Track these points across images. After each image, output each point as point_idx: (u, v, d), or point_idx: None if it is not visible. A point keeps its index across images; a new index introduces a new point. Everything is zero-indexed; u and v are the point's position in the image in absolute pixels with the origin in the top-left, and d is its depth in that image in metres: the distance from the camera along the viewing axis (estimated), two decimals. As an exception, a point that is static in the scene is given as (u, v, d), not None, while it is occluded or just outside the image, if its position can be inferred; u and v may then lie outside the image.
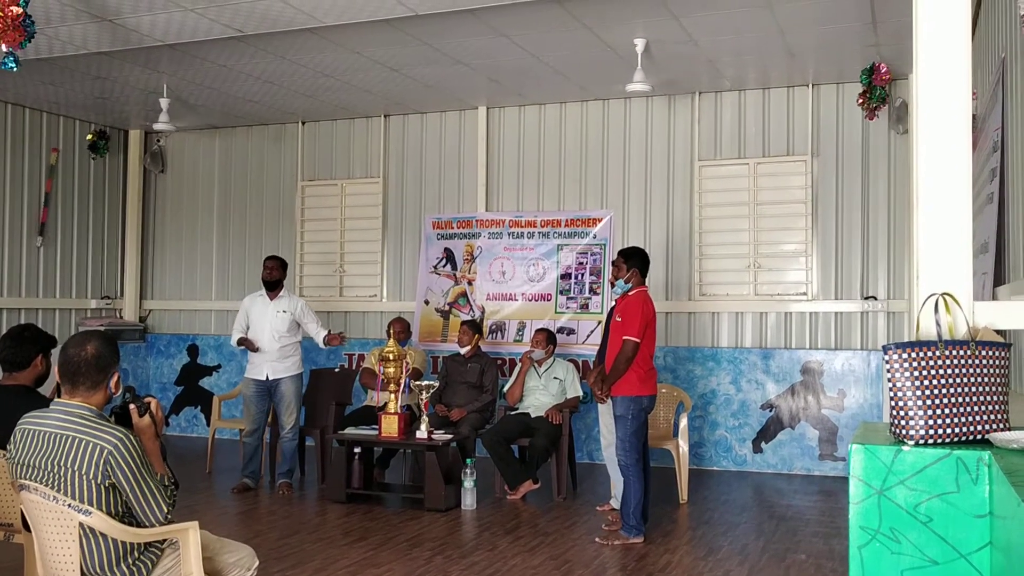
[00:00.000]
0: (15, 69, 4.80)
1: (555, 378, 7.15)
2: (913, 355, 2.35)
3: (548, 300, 8.53)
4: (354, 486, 6.61)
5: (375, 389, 7.48)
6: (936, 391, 2.33)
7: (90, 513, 2.97)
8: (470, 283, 8.82)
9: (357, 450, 6.61)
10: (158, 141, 10.16)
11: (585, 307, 8.39)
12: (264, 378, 7.03)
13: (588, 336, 8.30)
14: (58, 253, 9.31)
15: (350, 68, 7.49)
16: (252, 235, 9.79)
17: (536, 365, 7.18)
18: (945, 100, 2.72)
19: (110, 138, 9.77)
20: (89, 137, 9.56)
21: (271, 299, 7.11)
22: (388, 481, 7.32)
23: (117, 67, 7.49)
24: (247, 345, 7.03)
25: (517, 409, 7.12)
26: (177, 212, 10.16)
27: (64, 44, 6.44)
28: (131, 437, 3.03)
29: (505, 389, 7.27)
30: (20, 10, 4.57)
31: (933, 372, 2.34)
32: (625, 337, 5.57)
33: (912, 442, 2.31)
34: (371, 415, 7.05)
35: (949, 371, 2.35)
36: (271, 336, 7.02)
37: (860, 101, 7.03)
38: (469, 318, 8.39)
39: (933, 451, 2.26)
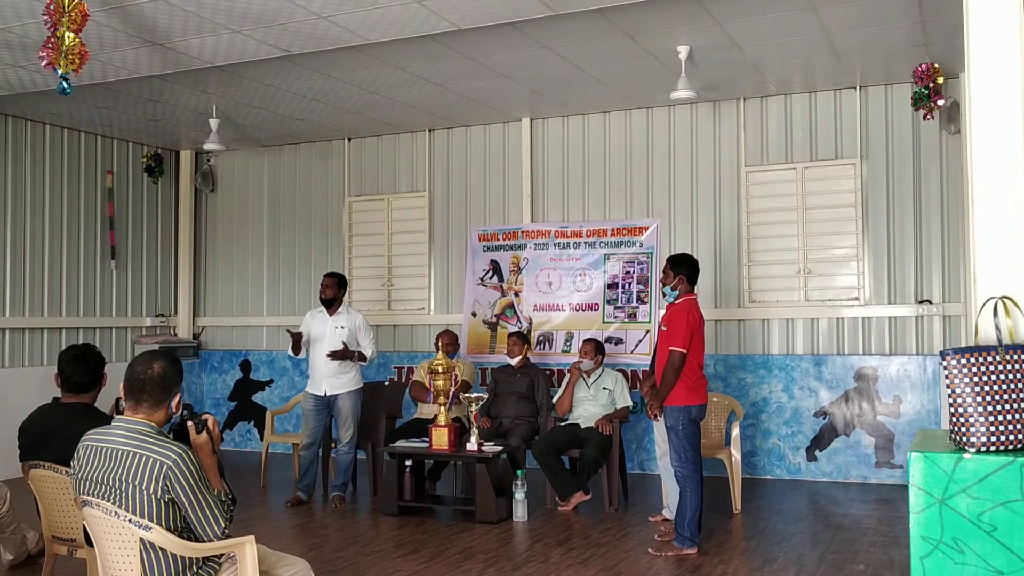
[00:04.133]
0: (68, 93, 4.92)
1: (604, 388, 7.11)
2: (972, 360, 2.31)
3: (595, 310, 8.50)
4: (406, 499, 6.65)
5: (425, 402, 7.52)
6: (997, 397, 2.28)
7: (150, 528, 3.02)
8: (517, 294, 8.83)
9: (408, 463, 6.64)
10: (208, 161, 10.36)
11: (633, 316, 8.35)
12: (323, 393, 7.09)
13: (636, 345, 8.25)
14: (114, 273, 9.53)
15: (394, 84, 7.56)
16: (301, 251, 9.93)
17: (585, 375, 7.16)
18: (999, 98, 2.68)
19: (163, 160, 9.99)
20: (144, 159, 9.79)
21: (330, 315, 7.17)
22: (439, 493, 7.34)
23: (168, 90, 7.66)
24: (297, 340, 7.05)
25: (566, 420, 7.10)
26: (228, 230, 10.34)
27: (117, 69, 6.60)
28: (189, 453, 3.08)
29: (554, 400, 7.25)
30: (74, 37, 4.69)
31: (994, 377, 2.30)
32: (671, 348, 5.53)
33: (973, 449, 2.26)
34: (421, 428, 7.08)
35: (1010, 376, 2.30)
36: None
37: (916, 107, 6.93)
38: (517, 329, 8.40)
39: (996, 458, 2.22)
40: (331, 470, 7.52)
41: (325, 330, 7.11)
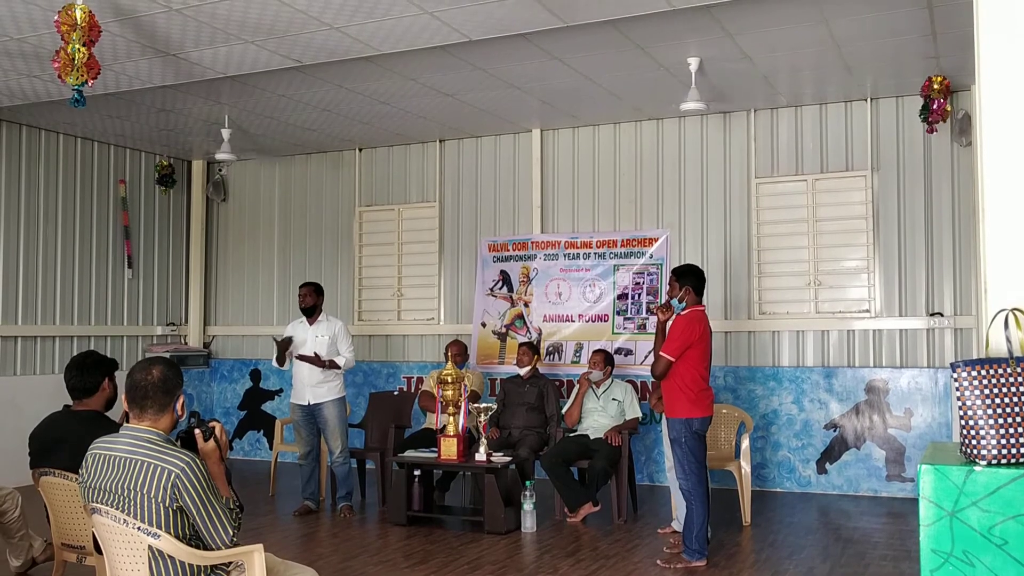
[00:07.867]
0: (82, 105, 4.95)
1: (613, 399, 7.10)
2: (983, 372, 2.30)
3: (605, 321, 8.50)
4: (415, 508, 6.64)
5: (434, 412, 7.51)
6: (1008, 409, 2.27)
7: (159, 536, 3.02)
8: (526, 305, 8.83)
9: (417, 473, 6.64)
10: (220, 171, 10.41)
11: (642, 327, 8.33)
12: (306, 402, 7.10)
13: (646, 357, 8.23)
14: (126, 282, 9.57)
15: (406, 95, 7.59)
16: (312, 261, 9.95)
17: (594, 386, 7.15)
18: (1009, 110, 2.67)
19: (175, 170, 10.04)
20: (156, 169, 9.84)
21: (310, 324, 7.20)
22: (448, 503, 7.33)
23: (180, 100, 7.71)
24: (284, 348, 7.08)
25: (575, 431, 7.09)
26: (239, 239, 10.38)
27: (130, 79, 6.65)
28: (197, 461, 3.08)
29: (563, 411, 7.24)
30: (85, 51, 4.72)
31: (1005, 390, 2.28)
32: (659, 353, 5.53)
33: (984, 462, 2.25)
34: (430, 438, 7.08)
35: (1021, 388, 2.29)
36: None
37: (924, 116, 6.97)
38: (526, 340, 8.40)
39: (1007, 471, 2.20)
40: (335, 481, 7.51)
41: (306, 339, 7.15)
